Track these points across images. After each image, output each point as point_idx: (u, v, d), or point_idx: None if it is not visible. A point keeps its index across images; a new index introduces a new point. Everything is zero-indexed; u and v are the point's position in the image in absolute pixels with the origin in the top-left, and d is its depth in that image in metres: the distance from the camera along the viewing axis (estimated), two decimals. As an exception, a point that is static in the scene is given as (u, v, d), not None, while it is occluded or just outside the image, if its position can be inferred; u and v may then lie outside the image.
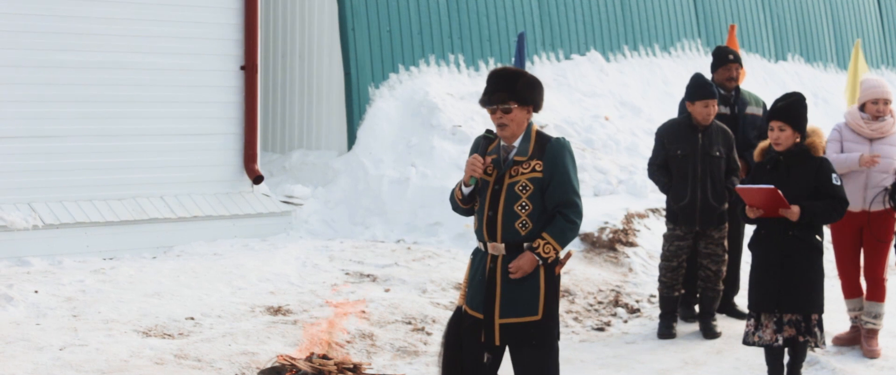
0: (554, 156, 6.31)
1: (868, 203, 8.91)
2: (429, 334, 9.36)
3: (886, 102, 9.03)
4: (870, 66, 17.96)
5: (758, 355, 8.49)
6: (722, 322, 9.91)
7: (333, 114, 13.83)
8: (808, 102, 8.18)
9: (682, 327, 9.91)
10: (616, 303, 10.65)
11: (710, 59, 10.52)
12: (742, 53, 12.06)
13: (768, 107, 8.87)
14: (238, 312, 9.50)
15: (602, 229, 12.14)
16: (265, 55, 14.06)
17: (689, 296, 10.04)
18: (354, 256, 11.41)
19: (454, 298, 10.29)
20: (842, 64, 18.72)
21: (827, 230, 8.99)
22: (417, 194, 12.74)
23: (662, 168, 9.70)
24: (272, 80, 14.46)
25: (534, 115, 6.43)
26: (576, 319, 10.11)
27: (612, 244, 11.97)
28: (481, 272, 6.42)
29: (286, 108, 14.40)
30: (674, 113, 10.21)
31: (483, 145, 6.48)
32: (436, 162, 12.99)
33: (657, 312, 10.04)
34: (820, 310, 7.96)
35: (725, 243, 9.71)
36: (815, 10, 18.75)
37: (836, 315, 9.63)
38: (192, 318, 9.25)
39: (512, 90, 6.31)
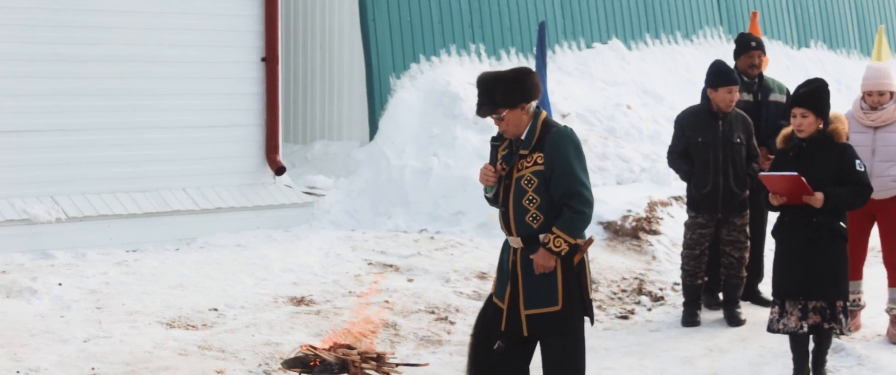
0: (553, 147, 6.33)
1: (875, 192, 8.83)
2: (452, 323, 9.36)
3: (881, 93, 8.95)
4: (894, 52, 17.84)
5: (782, 342, 8.45)
6: (746, 310, 9.87)
7: (355, 104, 13.83)
8: (831, 88, 8.12)
9: (706, 314, 9.88)
10: (640, 291, 10.63)
11: (732, 46, 10.47)
12: (764, 40, 11.98)
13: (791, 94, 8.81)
14: (261, 303, 9.52)
15: (625, 218, 12.12)
16: (286, 46, 14.06)
17: (712, 284, 10.01)
18: (377, 246, 11.41)
19: (477, 287, 10.29)
20: (865, 50, 18.60)
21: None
22: (440, 184, 12.73)
23: (683, 156, 9.68)
24: (293, 71, 14.46)
25: (539, 110, 6.48)
26: (600, 307, 10.09)
27: (635, 232, 11.94)
28: (506, 264, 6.57)
29: (308, 99, 14.40)
30: (696, 101, 10.16)
31: (496, 147, 6.59)
32: (458, 152, 12.98)
33: (681, 300, 10.01)
34: (845, 297, 7.92)
35: (747, 229, 9.68)
36: (837, -5, 18.67)
37: (873, 302, 9.57)
38: (216, 309, 9.27)
39: (492, 100, 6.33)
